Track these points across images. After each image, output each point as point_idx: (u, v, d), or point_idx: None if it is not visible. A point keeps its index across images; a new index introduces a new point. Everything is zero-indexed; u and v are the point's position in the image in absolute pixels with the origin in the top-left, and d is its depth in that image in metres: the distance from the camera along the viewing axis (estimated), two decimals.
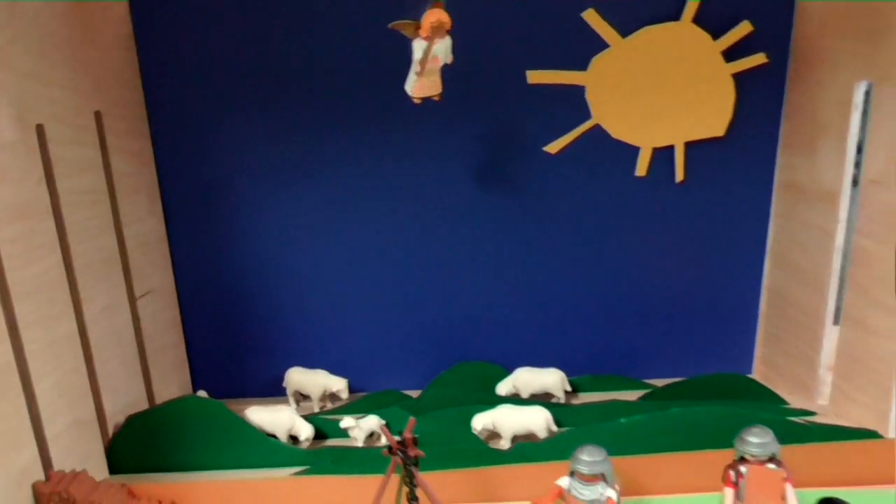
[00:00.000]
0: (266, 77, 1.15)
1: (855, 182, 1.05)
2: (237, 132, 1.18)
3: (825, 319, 1.12)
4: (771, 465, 0.79)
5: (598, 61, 1.13)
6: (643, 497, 0.93)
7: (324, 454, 1.07)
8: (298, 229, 1.22)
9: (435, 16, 0.84)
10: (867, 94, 1.01)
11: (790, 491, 0.79)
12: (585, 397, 1.25)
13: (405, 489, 0.80)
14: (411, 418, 0.80)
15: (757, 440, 0.79)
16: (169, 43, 1.14)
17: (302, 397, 1.25)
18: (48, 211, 0.90)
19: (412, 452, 0.79)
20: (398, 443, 0.78)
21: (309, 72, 1.15)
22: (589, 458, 0.78)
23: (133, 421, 1.05)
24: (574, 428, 1.07)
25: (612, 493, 0.78)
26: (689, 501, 0.92)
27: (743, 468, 0.79)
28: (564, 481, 0.79)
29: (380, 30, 0.89)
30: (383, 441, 1.09)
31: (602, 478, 0.78)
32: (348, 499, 0.90)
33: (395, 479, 0.80)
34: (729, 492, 0.80)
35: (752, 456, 0.79)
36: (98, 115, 1.03)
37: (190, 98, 1.16)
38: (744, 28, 1.11)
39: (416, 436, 0.79)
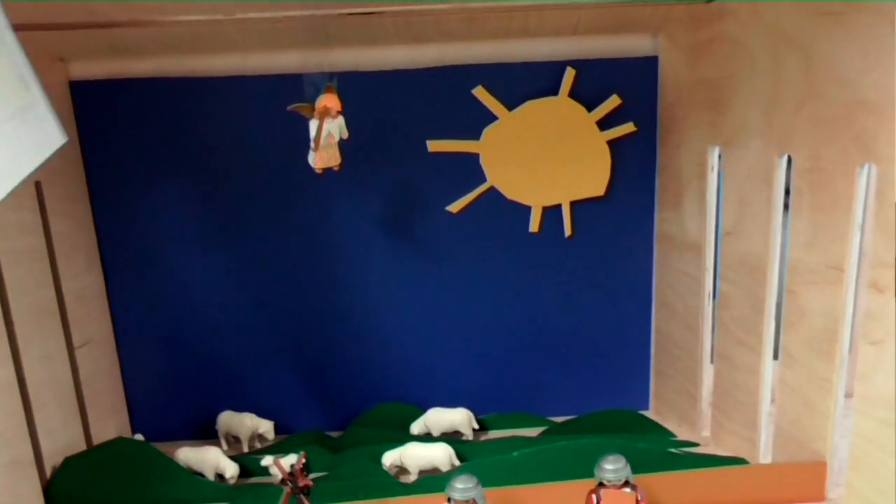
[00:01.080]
0: (192, 151, 1.28)
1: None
2: (168, 198, 1.30)
3: (702, 358, 1.24)
4: (626, 489, 0.88)
5: (489, 131, 1.26)
6: None
7: (244, 490, 1.16)
8: (224, 284, 1.33)
9: (324, 101, 0.97)
10: (720, 156, 1.14)
11: None
12: (493, 434, 1.36)
13: None
14: (301, 451, 0.90)
15: (611, 466, 0.89)
16: (106, 122, 1.26)
17: (233, 438, 1.35)
18: None
19: (301, 482, 0.89)
20: (289, 474, 0.89)
21: (227, 148, 1.28)
22: (461, 485, 0.87)
23: (69, 461, 1.14)
24: (470, 461, 1.17)
25: None
26: None
27: (602, 492, 0.89)
28: None
29: (284, 112, 1.03)
30: None
31: (474, 502, 0.88)
32: None
33: None
34: None
35: (608, 481, 0.88)
36: (38, 184, 1.14)
37: (126, 168, 1.28)
38: (613, 101, 1.25)
39: (309, 469, 0.89)
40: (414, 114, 1.27)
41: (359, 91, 1.22)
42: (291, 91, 1.03)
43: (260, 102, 1.26)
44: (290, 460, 1.18)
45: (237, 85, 1.25)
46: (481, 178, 1.29)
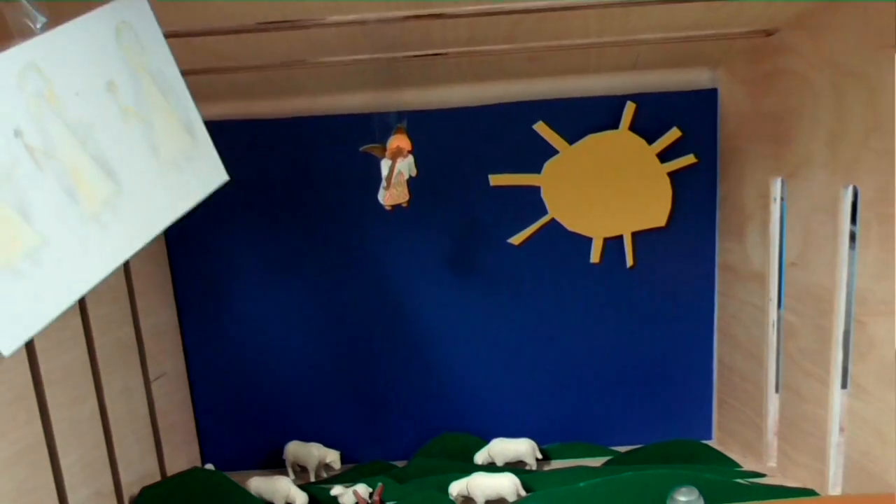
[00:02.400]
0: (262, 190, 1.33)
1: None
2: (238, 236, 1.34)
3: (767, 388, 1.24)
4: None
5: (550, 165, 1.29)
6: None
7: None
8: (291, 317, 1.37)
9: (396, 142, 1.01)
10: (783, 187, 1.15)
11: None
12: (556, 464, 1.37)
13: None
14: (380, 484, 0.92)
15: (684, 498, 0.90)
16: None
17: (300, 468, 1.38)
18: (76, 309, 1.06)
19: None
20: (367, 502, 0.91)
21: (296, 186, 1.32)
22: None
23: (146, 492, 1.18)
24: (537, 492, 1.18)
25: None
26: None
27: None
28: None
29: (351, 151, 1.06)
30: None
31: None
32: None
33: None
34: None
35: None
36: None
37: (198, 207, 1.32)
38: (673, 134, 1.26)
39: (384, 500, 0.92)
40: (476, 149, 1.30)
41: (424, 128, 1.24)
42: (360, 130, 1.08)
43: (329, 142, 1.30)
44: (362, 490, 1.21)
45: (307, 126, 1.29)
46: (542, 210, 1.31)
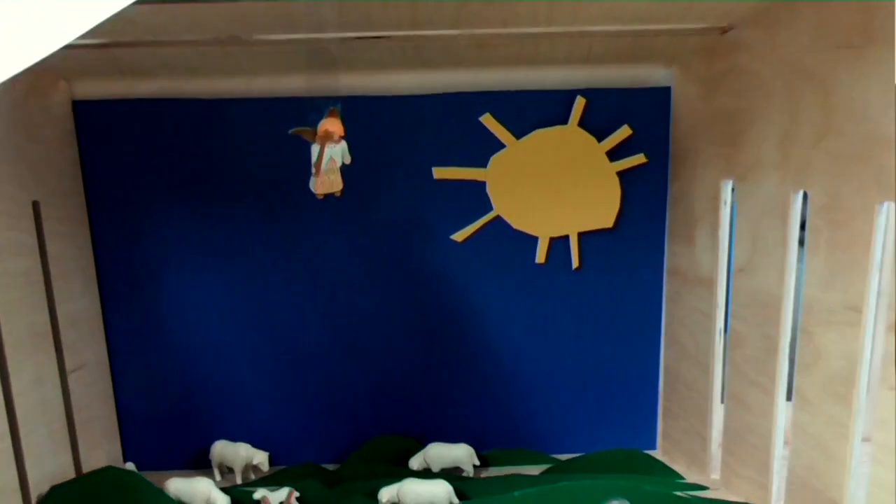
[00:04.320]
0: (193, 174, 1.26)
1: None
2: (168, 222, 1.28)
3: (712, 398, 1.20)
4: None
5: (496, 159, 1.24)
6: None
7: None
8: (222, 309, 1.31)
9: (326, 126, 0.95)
10: (733, 190, 1.11)
11: None
12: (493, 471, 1.32)
13: None
14: (290, 489, 0.87)
15: None
16: (107, 141, 1.25)
17: (227, 469, 1.32)
18: None
19: None
20: None
21: (228, 171, 1.26)
22: None
23: (55, 490, 1.11)
24: (469, 501, 1.13)
25: None
26: None
27: None
28: None
29: (286, 135, 1.00)
30: None
31: None
32: None
33: None
34: None
35: None
36: (36, 204, 1.12)
37: (127, 190, 1.26)
38: (624, 132, 1.23)
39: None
40: (420, 140, 1.25)
41: (365, 116, 1.20)
42: (295, 114, 1.02)
43: (263, 125, 1.24)
44: (280, 496, 1.15)
45: (240, 107, 1.23)
46: (487, 206, 1.26)
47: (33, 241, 1.12)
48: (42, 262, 1.14)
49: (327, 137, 0.95)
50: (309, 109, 0.98)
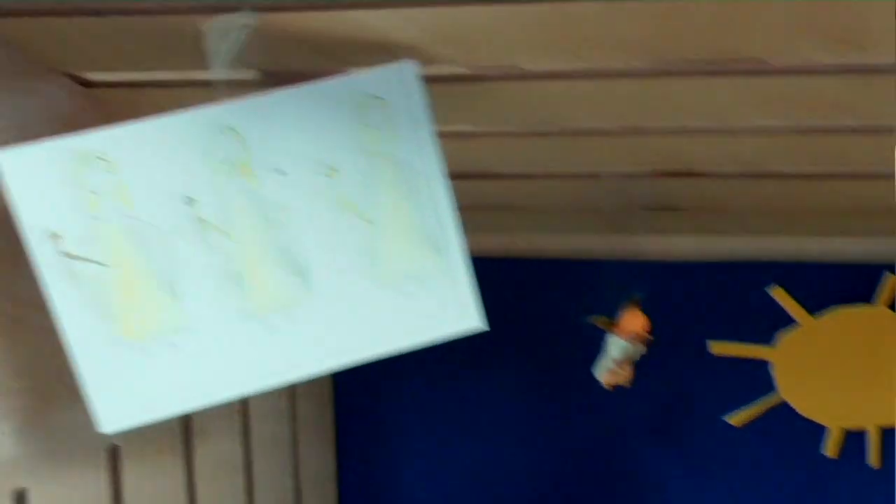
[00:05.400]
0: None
1: None
2: (417, 378, 1.21)
3: None
4: None
5: (786, 338, 1.11)
6: None
7: None
8: (463, 482, 1.22)
9: (632, 323, 0.86)
10: None
11: None
12: None
13: None
14: None
15: None
16: None
17: None
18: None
19: None
20: None
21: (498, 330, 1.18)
22: None
23: None
24: None
25: None
26: None
27: None
28: None
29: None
30: None
31: None
32: None
33: None
34: None
35: None
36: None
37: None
38: None
39: None
40: (696, 310, 1.14)
41: (637, 281, 1.10)
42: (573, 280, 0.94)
43: (537, 286, 1.16)
44: None
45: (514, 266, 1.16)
46: (768, 388, 1.12)
47: (287, 404, 1.09)
48: (290, 426, 1.10)
49: (638, 338, 0.85)
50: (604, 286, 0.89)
